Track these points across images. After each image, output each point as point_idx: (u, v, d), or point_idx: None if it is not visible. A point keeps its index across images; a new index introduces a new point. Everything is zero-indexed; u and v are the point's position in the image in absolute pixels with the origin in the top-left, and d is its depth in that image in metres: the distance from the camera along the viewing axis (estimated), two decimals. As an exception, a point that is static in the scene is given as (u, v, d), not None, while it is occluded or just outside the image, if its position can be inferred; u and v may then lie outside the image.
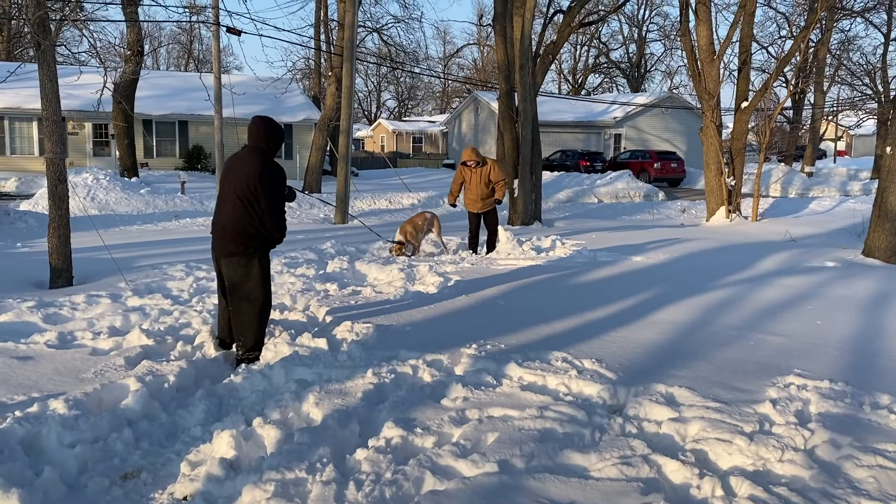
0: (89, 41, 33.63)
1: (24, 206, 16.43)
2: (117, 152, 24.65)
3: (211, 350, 5.12)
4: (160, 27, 57.35)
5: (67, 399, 3.80)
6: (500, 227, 10.46)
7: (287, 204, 5.26)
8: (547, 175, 25.37)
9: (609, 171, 30.03)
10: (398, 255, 9.74)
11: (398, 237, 10.12)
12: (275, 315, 6.00)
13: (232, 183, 4.95)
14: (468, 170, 10.28)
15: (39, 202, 16.12)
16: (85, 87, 16.57)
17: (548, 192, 22.28)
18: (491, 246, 10.38)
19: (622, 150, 37.70)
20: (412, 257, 9.77)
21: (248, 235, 4.91)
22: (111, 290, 6.95)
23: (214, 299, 6.51)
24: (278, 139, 5.05)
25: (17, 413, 3.64)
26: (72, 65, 30.58)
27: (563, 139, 39.13)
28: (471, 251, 10.35)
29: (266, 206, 4.87)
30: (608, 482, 3.10)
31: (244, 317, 5.01)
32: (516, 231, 11.96)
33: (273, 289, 7.12)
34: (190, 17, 22.92)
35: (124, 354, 4.77)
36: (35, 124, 27.68)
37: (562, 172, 30.15)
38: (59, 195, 7.86)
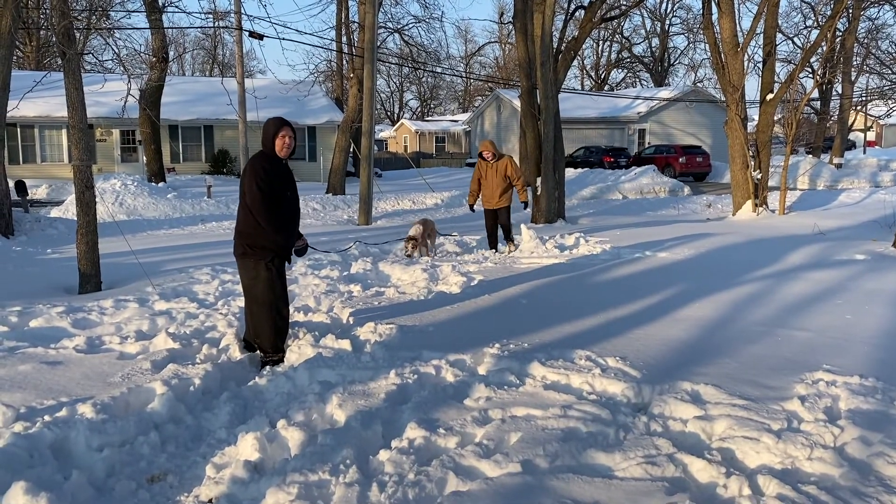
0: (114, 50, 34.13)
1: (55, 212, 16.71)
2: (144, 158, 25.03)
3: (236, 353, 5.16)
4: (184, 33, 58.09)
5: (95, 403, 3.86)
6: (523, 226, 10.46)
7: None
8: (570, 172, 25.24)
9: (633, 167, 29.79)
10: (412, 250, 9.80)
11: (410, 234, 10.13)
12: (299, 317, 6.03)
13: None
14: (485, 164, 10.31)
15: (69, 209, 16.37)
16: (112, 94, 16.81)
17: (571, 190, 22.16)
18: (507, 237, 10.41)
19: (646, 146, 37.38)
20: (431, 258, 9.77)
21: (247, 235, 4.96)
22: (138, 294, 7.05)
23: (239, 302, 6.56)
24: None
25: (47, 417, 3.70)
26: (98, 72, 31.06)
27: (586, 135, 38.92)
28: (493, 250, 10.34)
29: (251, 202, 4.84)
30: (633, 482, 3.07)
31: (256, 319, 5.08)
32: (539, 229, 11.92)
33: (297, 290, 7.21)
34: (214, 23, 23.17)
35: (151, 358, 4.83)
36: (64, 132, 28.16)
37: (585, 169, 30.00)
38: (86, 202, 7.98)
